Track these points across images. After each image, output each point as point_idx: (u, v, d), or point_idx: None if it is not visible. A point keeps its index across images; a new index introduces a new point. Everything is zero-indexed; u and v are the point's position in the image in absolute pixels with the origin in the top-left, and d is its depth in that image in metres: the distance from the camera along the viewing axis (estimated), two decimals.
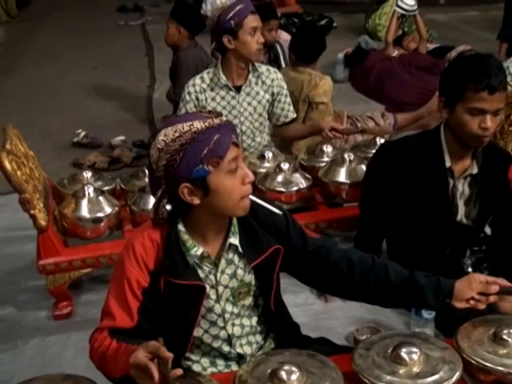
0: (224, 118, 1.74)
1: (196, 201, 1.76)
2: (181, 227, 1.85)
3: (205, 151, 1.69)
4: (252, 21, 3.21)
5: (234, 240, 1.89)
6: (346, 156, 3.18)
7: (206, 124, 1.70)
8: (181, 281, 1.83)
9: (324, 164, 3.31)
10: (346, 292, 2.07)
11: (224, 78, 3.36)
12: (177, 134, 1.70)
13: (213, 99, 3.40)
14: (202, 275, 1.88)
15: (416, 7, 6.45)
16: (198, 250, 1.85)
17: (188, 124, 1.70)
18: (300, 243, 1.98)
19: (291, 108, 3.56)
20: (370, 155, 3.10)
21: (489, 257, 2.74)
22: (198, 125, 1.70)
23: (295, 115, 3.61)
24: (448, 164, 2.59)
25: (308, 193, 3.18)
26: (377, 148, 2.98)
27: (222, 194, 1.75)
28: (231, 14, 3.18)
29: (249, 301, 1.99)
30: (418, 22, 6.47)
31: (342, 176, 3.15)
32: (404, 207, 2.68)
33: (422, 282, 1.94)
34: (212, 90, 3.39)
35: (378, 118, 4.63)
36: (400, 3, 6.43)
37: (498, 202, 2.70)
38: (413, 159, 2.61)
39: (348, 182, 3.13)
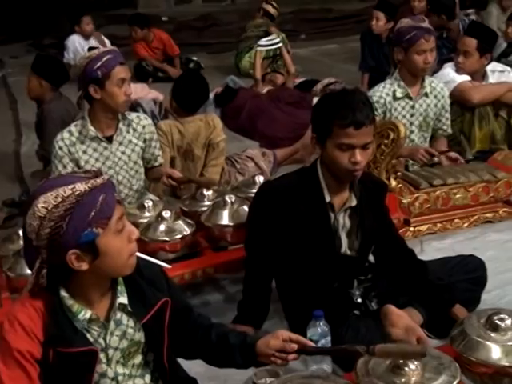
0: (106, 177, 1.71)
1: (84, 266, 1.70)
2: (64, 293, 1.77)
3: (92, 213, 1.64)
4: (120, 72, 3.18)
5: (123, 299, 1.84)
6: (227, 198, 3.16)
7: (89, 185, 1.65)
8: (71, 349, 1.75)
9: (206, 208, 3.28)
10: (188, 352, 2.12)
11: (93, 129, 3.29)
12: (59, 200, 1.63)
13: (84, 152, 3.32)
14: (91, 339, 1.81)
15: (275, 41, 6.88)
16: (85, 314, 1.78)
17: (70, 187, 1.64)
18: (178, 299, 2.01)
19: (160, 153, 3.60)
20: (252, 195, 3.11)
21: (376, 285, 2.79)
22: (80, 187, 1.64)
23: (163, 160, 3.67)
24: (328, 199, 2.63)
25: (192, 239, 3.13)
26: (257, 188, 2.99)
27: (111, 255, 1.72)
28: (99, 64, 3.14)
29: (138, 359, 1.93)
30: (284, 57, 6.83)
31: (224, 219, 3.12)
32: (289, 245, 2.68)
33: (232, 341, 1.99)
34: (82, 142, 3.31)
35: (257, 158, 4.68)
36: (259, 42, 6.93)
37: (378, 230, 2.76)
38: (293, 197, 2.62)
39: (231, 224, 3.11)
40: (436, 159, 3.96)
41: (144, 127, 3.45)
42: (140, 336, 1.90)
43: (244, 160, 4.63)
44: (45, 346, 1.74)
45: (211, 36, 9.93)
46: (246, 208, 3.08)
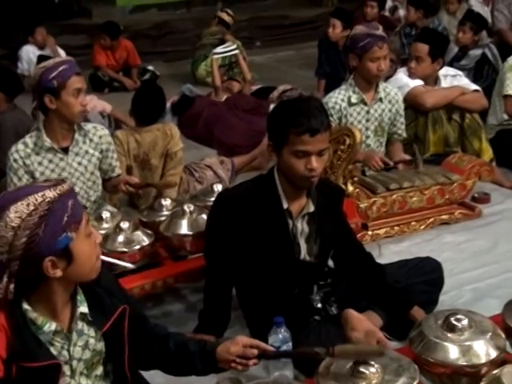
0: (70, 183, 1.74)
1: (59, 273, 1.70)
2: (26, 306, 1.75)
3: (65, 218, 1.66)
4: (76, 82, 3.15)
5: (84, 308, 1.84)
6: (185, 207, 3.16)
7: (58, 191, 1.67)
8: (34, 363, 1.72)
9: (164, 218, 3.27)
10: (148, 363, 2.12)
11: (48, 140, 3.25)
12: (32, 208, 1.63)
13: (40, 163, 3.28)
14: (54, 352, 1.79)
15: (230, 48, 6.98)
16: (51, 326, 1.77)
17: (40, 195, 1.64)
18: (135, 307, 2.01)
19: (118, 163, 3.57)
20: (210, 203, 3.11)
21: (335, 290, 2.82)
22: (50, 194, 1.65)
23: (121, 171, 3.64)
24: (285, 206, 2.64)
25: (151, 249, 3.12)
26: (215, 196, 2.99)
27: (83, 259, 1.74)
28: (54, 74, 3.10)
29: (100, 370, 1.93)
30: (240, 64, 6.88)
31: (183, 228, 3.12)
32: (248, 252, 2.69)
33: (192, 349, 2.02)
34: (37, 154, 3.27)
35: (215, 166, 4.68)
36: (214, 49, 6.98)
37: (337, 235, 2.79)
38: (251, 204, 2.63)
39: (190, 233, 3.11)
40: (392, 164, 4.02)
41: (101, 137, 3.42)
42: (101, 346, 1.89)
43: (202, 168, 4.62)
44: (7, 363, 1.71)
45: (167, 44, 9.88)
46: (204, 217, 3.08)
